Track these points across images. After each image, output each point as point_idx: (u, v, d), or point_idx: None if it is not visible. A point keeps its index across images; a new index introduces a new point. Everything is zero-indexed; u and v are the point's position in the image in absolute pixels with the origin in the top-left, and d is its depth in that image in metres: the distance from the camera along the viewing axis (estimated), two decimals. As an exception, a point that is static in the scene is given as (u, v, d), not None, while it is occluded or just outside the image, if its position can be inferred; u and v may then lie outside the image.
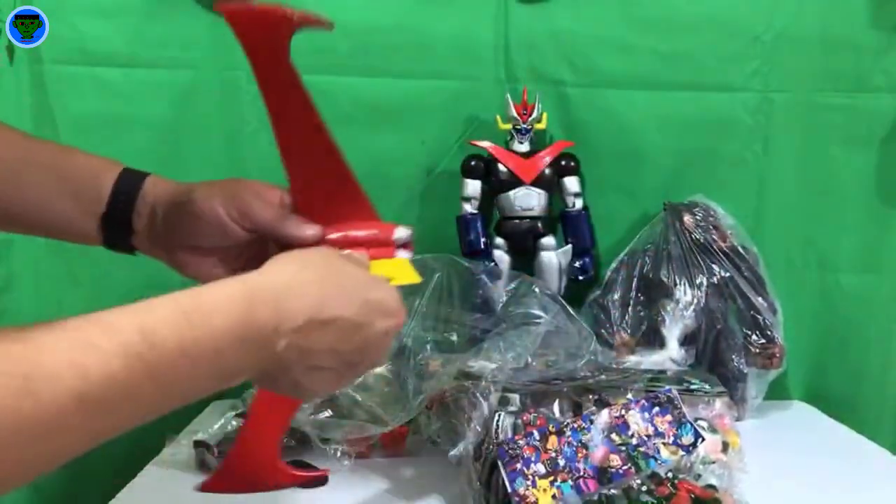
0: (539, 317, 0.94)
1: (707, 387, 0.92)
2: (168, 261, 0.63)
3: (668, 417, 0.77)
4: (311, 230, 0.60)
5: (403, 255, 0.63)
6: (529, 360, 0.88)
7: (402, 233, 0.63)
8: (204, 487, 0.69)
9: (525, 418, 0.79)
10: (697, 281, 1.06)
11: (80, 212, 0.61)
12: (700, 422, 0.80)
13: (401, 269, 0.62)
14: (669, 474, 0.74)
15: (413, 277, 0.62)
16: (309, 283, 0.49)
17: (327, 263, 0.52)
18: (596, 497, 0.71)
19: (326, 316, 0.48)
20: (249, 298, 0.44)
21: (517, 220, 1.11)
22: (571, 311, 0.98)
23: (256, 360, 0.45)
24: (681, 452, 0.75)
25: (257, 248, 0.61)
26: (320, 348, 0.48)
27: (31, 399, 0.33)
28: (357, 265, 0.55)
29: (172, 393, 0.40)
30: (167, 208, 0.61)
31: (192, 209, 0.59)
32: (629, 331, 1.07)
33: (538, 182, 1.10)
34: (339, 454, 0.89)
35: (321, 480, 0.79)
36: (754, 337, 1.05)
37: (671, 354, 1.02)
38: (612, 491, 0.72)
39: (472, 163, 1.11)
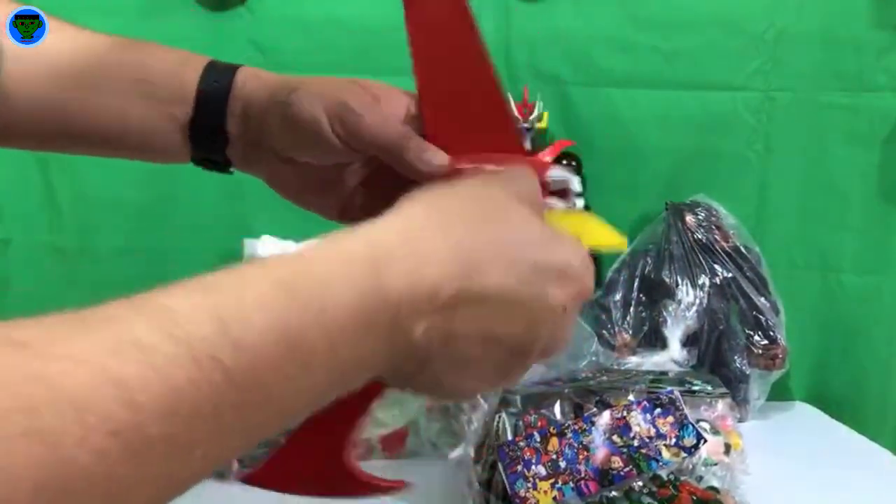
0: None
1: (709, 388, 0.91)
2: (267, 177, 0.52)
3: (670, 419, 0.76)
4: (438, 159, 0.46)
5: (557, 205, 0.47)
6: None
7: (560, 173, 0.47)
8: (246, 478, 0.52)
9: (526, 420, 0.78)
10: (699, 281, 1.06)
11: (162, 117, 0.51)
12: (702, 423, 0.80)
13: (591, 227, 0.45)
14: (671, 476, 0.73)
15: (615, 240, 0.45)
16: (459, 238, 0.35)
17: (483, 206, 0.38)
18: (597, 499, 0.71)
19: (480, 287, 0.35)
20: (374, 264, 0.32)
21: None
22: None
23: (384, 354, 0.32)
24: (682, 454, 0.74)
25: (378, 169, 0.50)
26: (470, 332, 0.35)
27: (42, 445, 0.21)
28: (525, 207, 0.40)
29: (260, 419, 0.27)
30: (262, 109, 0.49)
31: (289, 113, 0.48)
32: (631, 331, 1.07)
33: (539, 181, 1.09)
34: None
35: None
36: (756, 338, 1.05)
37: (673, 355, 1.02)
38: (614, 493, 0.71)
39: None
